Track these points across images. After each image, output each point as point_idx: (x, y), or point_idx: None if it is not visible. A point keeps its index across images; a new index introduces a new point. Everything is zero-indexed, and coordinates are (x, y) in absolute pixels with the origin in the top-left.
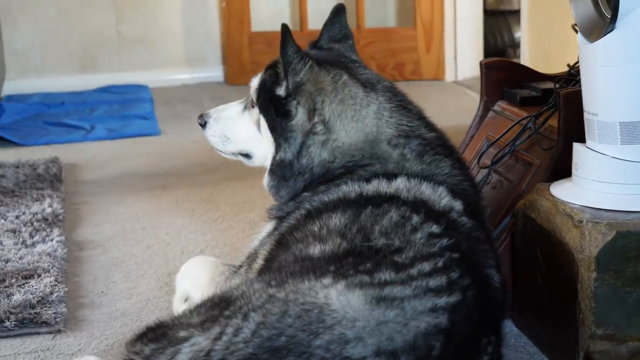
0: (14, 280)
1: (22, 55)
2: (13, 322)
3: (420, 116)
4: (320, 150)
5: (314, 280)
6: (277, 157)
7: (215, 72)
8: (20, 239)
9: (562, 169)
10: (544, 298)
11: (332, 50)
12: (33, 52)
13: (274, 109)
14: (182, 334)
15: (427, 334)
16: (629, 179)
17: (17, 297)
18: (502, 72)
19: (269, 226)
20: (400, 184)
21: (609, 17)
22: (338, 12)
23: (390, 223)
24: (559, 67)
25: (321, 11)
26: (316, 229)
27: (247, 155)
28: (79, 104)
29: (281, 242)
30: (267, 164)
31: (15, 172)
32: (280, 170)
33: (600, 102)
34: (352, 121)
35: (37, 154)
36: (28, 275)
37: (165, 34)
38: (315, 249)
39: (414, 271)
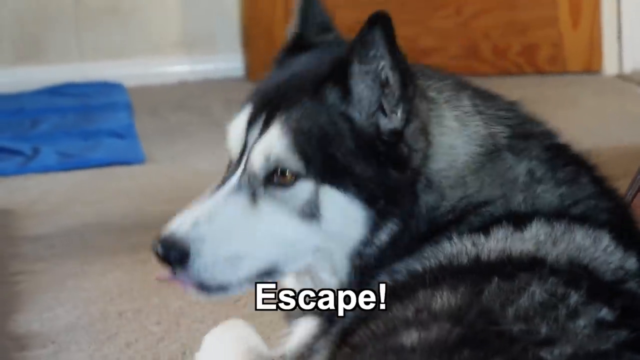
0: None
1: None
2: None
3: (506, 101)
4: (426, 194)
5: None
6: (384, 237)
7: (230, 62)
8: None
9: None
10: None
11: (332, 46)
12: None
13: (378, 161)
14: None
15: None
16: None
17: None
18: None
19: (308, 325)
20: (540, 234)
21: None
22: None
23: (533, 304)
24: None
25: None
26: (409, 314)
27: (269, 273)
28: (13, 114)
29: (348, 343)
30: (338, 262)
31: None
32: (377, 260)
33: None
34: (455, 126)
35: None
36: None
37: (152, 1)
38: (411, 337)
39: None
